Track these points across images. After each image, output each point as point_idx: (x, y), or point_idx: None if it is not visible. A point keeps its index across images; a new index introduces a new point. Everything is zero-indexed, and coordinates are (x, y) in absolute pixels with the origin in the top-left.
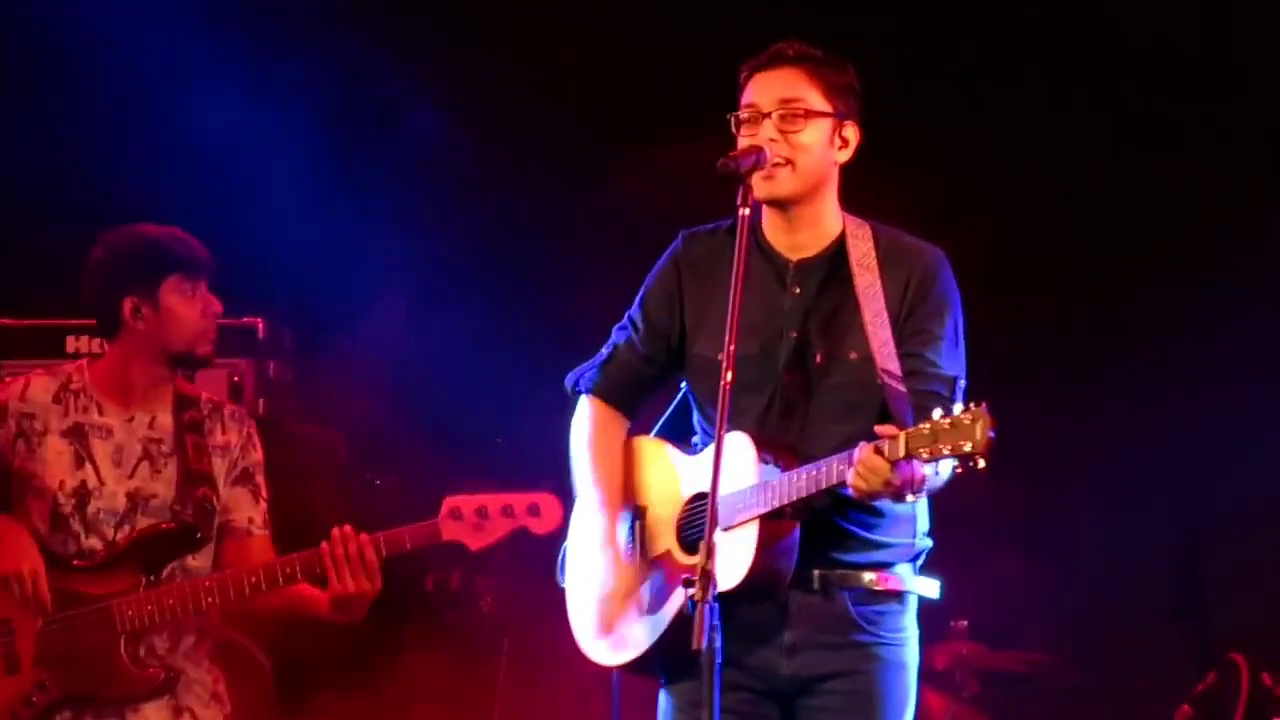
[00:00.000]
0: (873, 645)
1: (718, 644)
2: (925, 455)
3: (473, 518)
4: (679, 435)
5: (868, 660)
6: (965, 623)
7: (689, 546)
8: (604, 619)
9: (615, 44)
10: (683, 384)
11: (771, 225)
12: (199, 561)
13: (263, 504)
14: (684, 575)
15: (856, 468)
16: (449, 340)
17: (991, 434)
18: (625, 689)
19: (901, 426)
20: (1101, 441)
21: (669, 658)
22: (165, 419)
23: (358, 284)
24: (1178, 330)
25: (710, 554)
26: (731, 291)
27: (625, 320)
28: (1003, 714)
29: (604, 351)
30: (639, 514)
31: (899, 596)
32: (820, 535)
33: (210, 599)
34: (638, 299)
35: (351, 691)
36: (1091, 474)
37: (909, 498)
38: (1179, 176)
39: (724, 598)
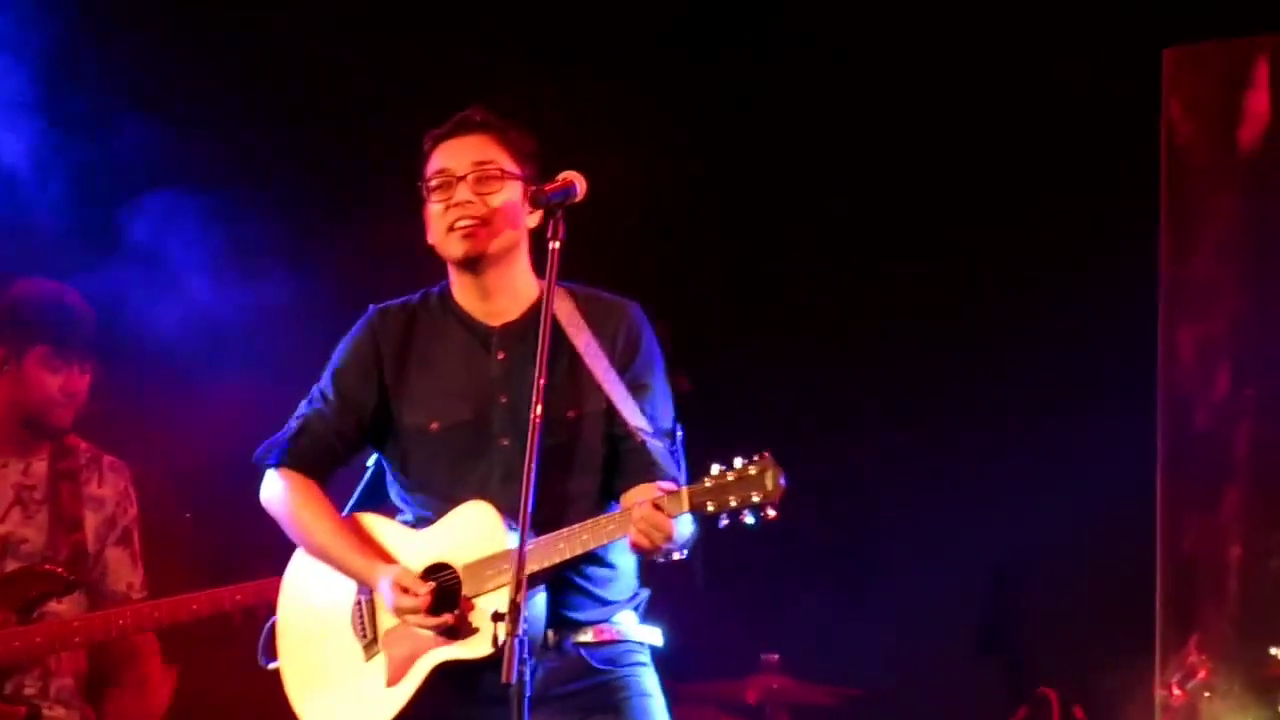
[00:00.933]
0: (614, 680)
1: (527, 677)
2: (712, 508)
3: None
4: (374, 509)
5: (614, 693)
6: (776, 657)
7: (438, 609)
8: (334, 697)
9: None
10: (370, 462)
11: (464, 294)
12: (67, 607)
13: (140, 566)
14: (438, 632)
15: (639, 525)
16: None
17: (783, 482)
18: None
19: (660, 476)
20: (911, 477)
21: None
22: (40, 466)
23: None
24: (986, 372)
25: (520, 588)
26: (540, 341)
27: (314, 394)
28: None
29: (292, 424)
30: (364, 589)
31: (626, 644)
32: (551, 593)
33: (78, 639)
34: (328, 372)
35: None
36: (901, 509)
37: (675, 556)
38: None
39: (470, 666)
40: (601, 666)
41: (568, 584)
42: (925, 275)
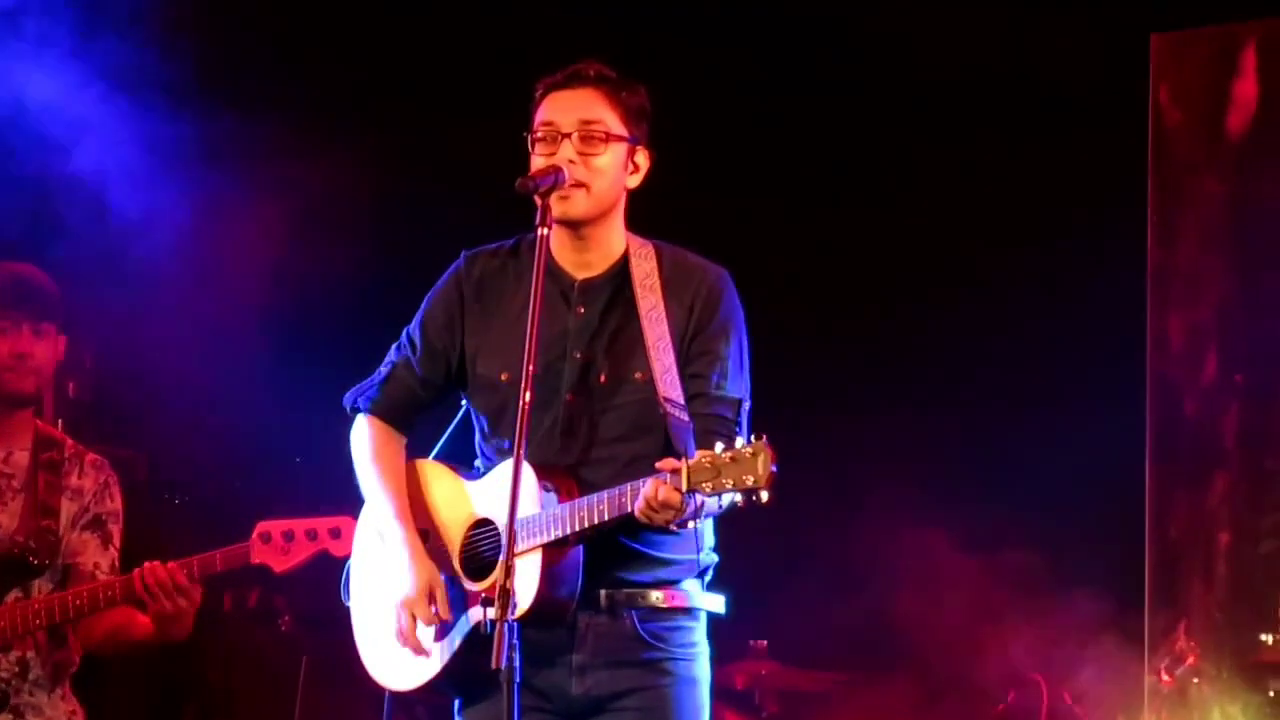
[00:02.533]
0: (662, 661)
1: (517, 663)
2: (708, 489)
3: (280, 541)
4: (460, 457)
5: (658, 676)
6: (765, 643)
7: (473, 572)
8: (388, 644)
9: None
10: (463, 404)
11: (558, 244)
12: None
13: (112, 551)
14: (481, 596)
15: (644, 501)
16: (249, 359)
17: (774, 468)
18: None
19: (683, 456)
20: (899, 461)
21: (458, 682)
22: (21, 456)
23: (157, 303)
24: (976, 356)
25: (510, 573)
26: (530, 310)
27: (403, 339)
28: None
29: (382, 370)
30: (423, 537)
31: (687, 613)
32: (606, 555)
33: (38, 620)
34: (417, 319)
35: (155, 713)
36: (889, 494)
37: (691, 524)
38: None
39: (518, 622)
40: (651, 641)
41: (624, 547)
42: (912, 260)
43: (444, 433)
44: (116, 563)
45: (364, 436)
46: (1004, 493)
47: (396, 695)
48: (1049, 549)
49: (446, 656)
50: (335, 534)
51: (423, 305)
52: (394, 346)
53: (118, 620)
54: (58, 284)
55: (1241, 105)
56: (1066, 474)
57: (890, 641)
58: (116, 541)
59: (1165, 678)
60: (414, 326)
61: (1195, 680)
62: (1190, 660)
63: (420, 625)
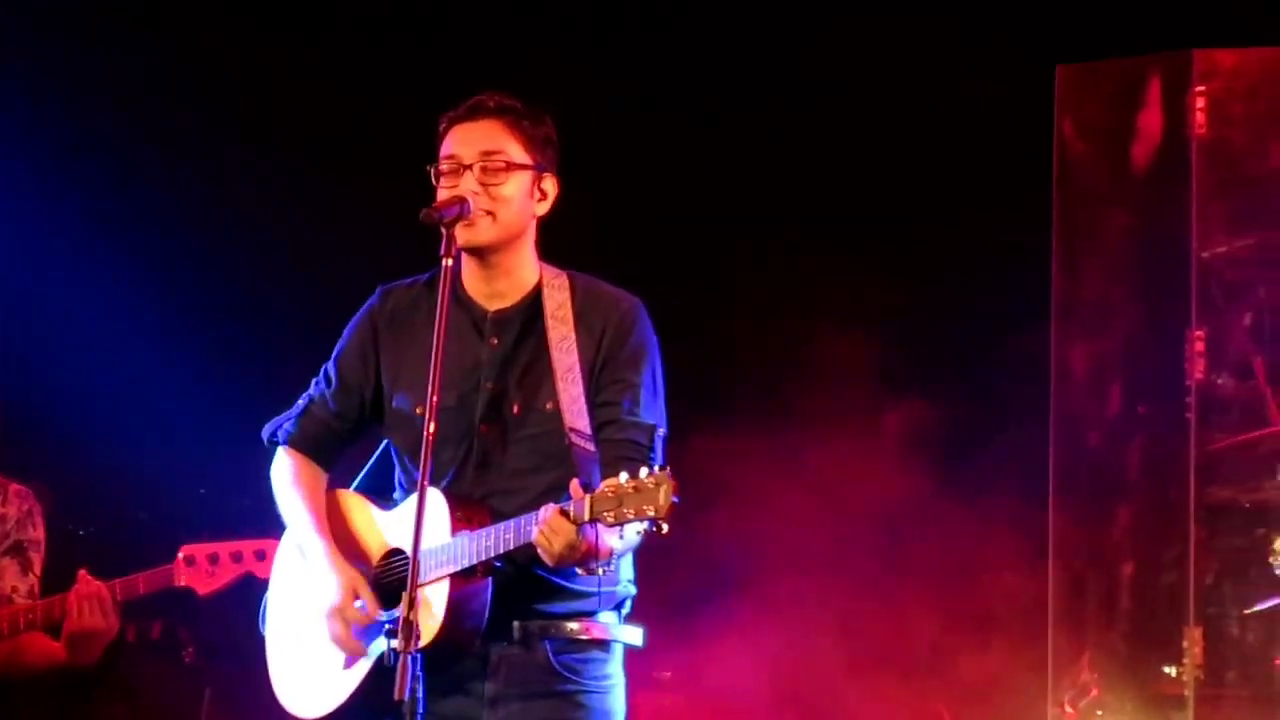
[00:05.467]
0: (576, 694)
1: (420, 694)
2: (610, 519)
3: (205, 564)
4: (380, 489)
5: (571, 709)
6: (669, 674)
7: (385, 601)
8: (301, 670)
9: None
10: (385, 438)
11: (470, 275)
12: None
13: (31, 578)
14: (384, 627)
15: (541, 528)
16: (154, 387)
17: (675, 499)
18: None
19: (587, 489)
20: (794, 491)
21: (368, 711)
22: None
23: (62, 331)
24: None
25: (413, 605)
26: (434, 340)
27: (320, 374)
28: None
29: (300, 403)
30: None
31: (602, 645)
32: (520, 586)
33: None
34: (334, 354)
35: None
36: (786, 527)
37: (598, 570)
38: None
39: (425, 652)
40: (565, 673)
41: (539, 578)
42: (815, 281)
43: (365, 466)
44: (35, 589)
45: (284, 467)
46: (904, 522)
47: None
48: (953, 579)
49: (355, 684)
50: (260, 556)
51: (340, 341)
52: (314, 380)
53: (23, 642)
54: None
55: (1146, 137)
56: (971, 505)
57: (791, 673)
58: (37, 569)
59: (1069, 710)
60: (330, 362)
61: (1099, 712)
62: (1094, 692)
63: (333, 649)
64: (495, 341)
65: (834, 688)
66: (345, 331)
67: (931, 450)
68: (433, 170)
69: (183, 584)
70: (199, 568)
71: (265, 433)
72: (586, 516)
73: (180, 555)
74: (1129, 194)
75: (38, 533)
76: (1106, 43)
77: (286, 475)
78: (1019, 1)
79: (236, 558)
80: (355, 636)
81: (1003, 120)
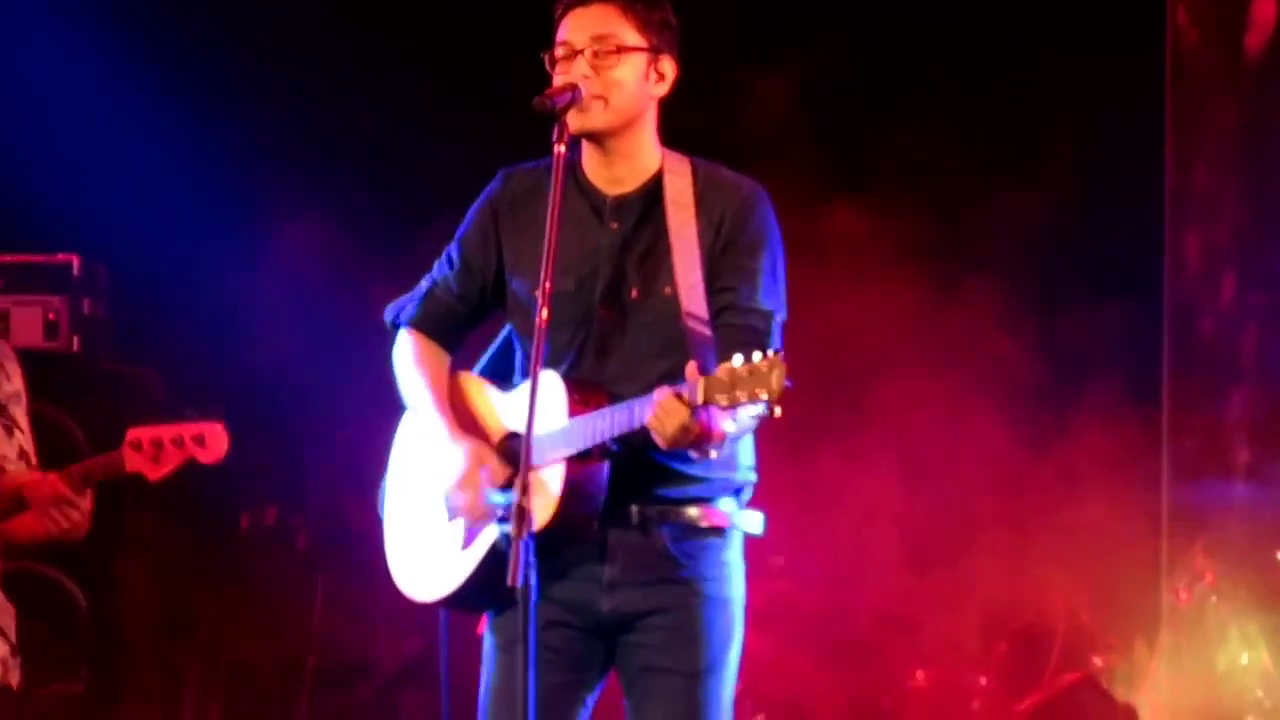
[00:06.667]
0: (693, 581)
1: (533, 581)
2: (723, 402)
3: (149, 449)
4: (502, 372)
5: (688, 596)
6: (781, 559)
7: (501, 486)
8: (419, 553)
9: None
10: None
11: (590, 160)
12: None
13: (19, 436)
14: (498, 514)
15: (654, 410)
16: (271, 278)
17: (787, 383)
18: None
19: (703, 372)
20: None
21: (486, 594)
22: None
23: (177, 220)
24: (989, 275)
25: (526, 491)
26: (547, 228)
27: (443, 256)
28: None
29: (422, 285)
30: None
31: (720, 532)
32: (639, 471)
33: None
34: (456, 236)
35: (170, 632)
36: (901, 414)
37: (712, 454)
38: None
39: (540, 536)
40: (682, 560)
41: (657, 463)
42: (928, 172)
43: (488, 350)
44: (26, 448)
45: (406, 347)
46: (1019, 406)
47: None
48: (1065, 466)
49: (472, 567)
50: (199, 440)
51: (463, 223)
52: (436, 262)
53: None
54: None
55: (1260, 25)
56: (1085, 389)
57: (912, 561)
58: (22, 424)
59: (1182, 596)
60: (453, 244)
61: (1213, 599)
62: (1208, 579)
63: (452, 530)
64: (615, 226)
65: (942, 576)
66: (468, 214)
67: (1044, 337)
68: (546, 57)
69: (133, 469)
70: (145, 453)
71: (388, 315)
72: (700, 399)
73: (126, 440)
74: (1240, 84)
75: (14, 384)
76: None
77: (410, 355)
78: None
79: (178, 443)
80: (485, 504)
81: (1116, 7)
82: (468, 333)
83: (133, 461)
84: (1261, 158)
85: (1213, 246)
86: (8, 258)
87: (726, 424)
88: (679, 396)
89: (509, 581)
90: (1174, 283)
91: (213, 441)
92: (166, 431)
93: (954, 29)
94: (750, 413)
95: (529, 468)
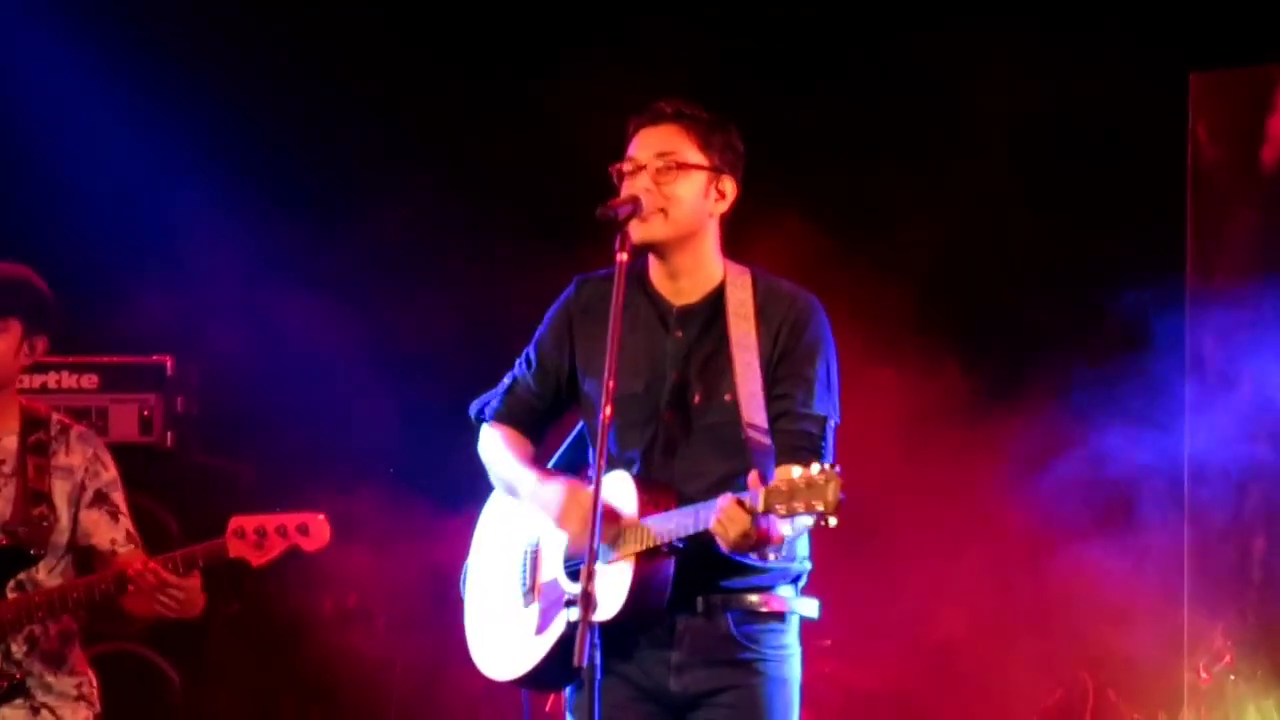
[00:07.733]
0: (755, 662)
1: (598, 661)
2: (782, 511)
3: (253, 536)
4: (574, 467)
5: (751, 676)
6: (829, 641)
7: (573, 575)
8: (499, 633)
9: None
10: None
11: (656, 272)
12: (51, 580)
13: (124, 521)
14: (566, 598)
15: (718, 515)
16: (351, 373)
17: (842, 495)
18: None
19: (763, 480)
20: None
21: (559, 675)
22: (10, 441)
23: (265, 322)
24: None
25: (590, 577)
26: (609, 330)
27: (522, 356)
28: None
29: (505, 381)
30: (534, 540)
31: (780, 617)
32: (702, 562)
33: (39, 614)
34: (534, 338)
35: (257, 707)
36: (928, 490)
37: (770, 556)
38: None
39: (610, 625)
40: (745, 643)
41: (720, 556)
42: (950, 281)
43: (562, 444)
44: (130, 529)
45: (493, 437)
46: (1049, 504)
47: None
48: (1095, 551)
49: (548, 649)
50: (303, 530)
51: (540, 326)
52: (518, 359)
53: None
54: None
55: (1275, 140)
56: (1108, 484)
57: (936, 640)
58: (124, 508)
59: (1203, 675)
60: (531, 345)
61: (1232, 678)
62: (1227, 659)
63: (529, 614)
64: (680, 334)
65: (972, 655)
66: (545, 318)
67: (1065, 442)
68: (614, 171)
69: (235, 555)
70: (249, 540)
71: (473, 410)
72: (761, 508)
73: (230, 528)
74: (1258, 194)
75: (110, 472)
76: (1237, 52)
77: (498, 442)
78: (1152, 13)
79: (281, 532)
80: (528, 624)
81: (1138, 126)
82: (549, 425)
83: (236, 548)
84: (1276, 263)
85: (1231, 345)
86: (107, 358)
87: (784, 529)
88: (741, 504)
89: (574, 662)
90: (1196, 384)
91: (316, 531)
92: (270, 520)
93: (979, 139)
94: (806, 522)
95: (594, 557)
